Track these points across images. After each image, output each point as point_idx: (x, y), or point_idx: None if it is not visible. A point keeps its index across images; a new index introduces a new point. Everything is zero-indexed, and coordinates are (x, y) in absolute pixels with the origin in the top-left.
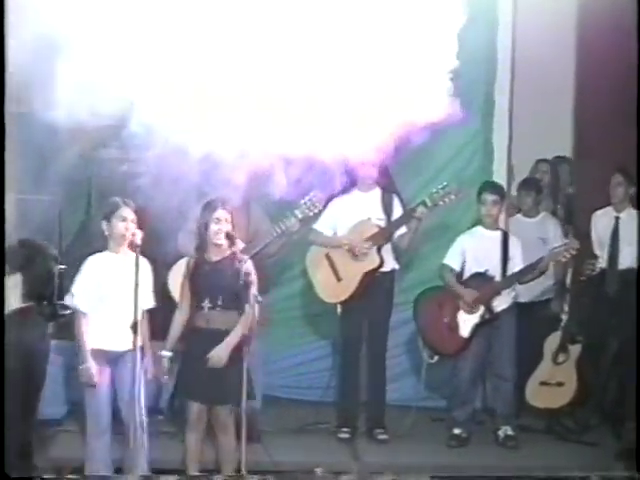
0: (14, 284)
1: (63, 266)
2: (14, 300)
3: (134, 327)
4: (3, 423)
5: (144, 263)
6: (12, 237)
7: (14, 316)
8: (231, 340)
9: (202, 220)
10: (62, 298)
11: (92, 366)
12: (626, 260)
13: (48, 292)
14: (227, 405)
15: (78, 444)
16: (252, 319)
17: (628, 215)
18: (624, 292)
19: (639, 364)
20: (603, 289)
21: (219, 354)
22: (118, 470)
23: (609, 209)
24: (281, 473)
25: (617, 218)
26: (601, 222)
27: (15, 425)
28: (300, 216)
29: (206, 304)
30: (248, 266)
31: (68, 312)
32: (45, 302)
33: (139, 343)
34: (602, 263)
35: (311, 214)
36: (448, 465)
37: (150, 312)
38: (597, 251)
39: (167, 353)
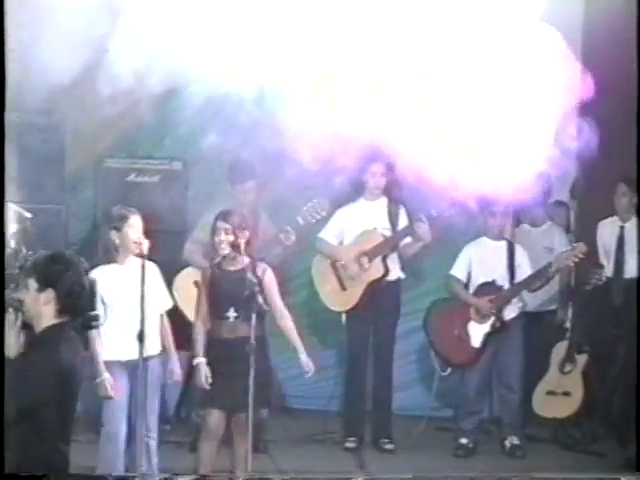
0: (47, 300)
1: (94, 277)
2: (48, 317)
3: (140, 336)
4: (3, 423)
5: (152, 267)
6: (11, 245)
7: (49, 332)
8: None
9: (211, 230)
10: (93, 309)
11: (108, 378)
12: (632, 269)
13: (81, 305)
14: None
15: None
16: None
17: (633, 225)
18: (630, 301)
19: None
20: (609, 298)
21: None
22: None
23: (615, 219)
24: None
25: (622, 228)
26: (606, 232)
27: (52, 441)
28: (302, 222)
29: (231, 314)
30: (269, 275)
31: (100, 323)
32: (78, 315)
33: (145, 352)
34: (608, 272)
35: (313, 221)
36: (454, 475)
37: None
38: (603, 261)
39: (202, 359)
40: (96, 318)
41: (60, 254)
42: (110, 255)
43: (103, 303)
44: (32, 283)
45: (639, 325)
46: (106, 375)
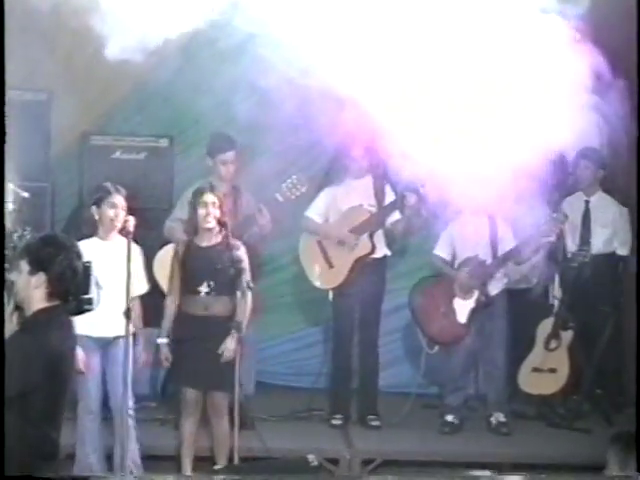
0: (38, 283)
1: (88, 260)
2: (39, 300)
3: (127, 313)
4: (3, 423)
5: (135, 249)
6: (16, 227)
7: (39, 316)
8: (240, 331)
9: (191, 204)
10: (87, 292)
11: (79, 353)
12: (598, 243)
13: (73, 289)
14: (223, 391)
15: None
16: (245, 306)
17: (599, 199)
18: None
19: (639, 353)
20: (595, 275)
21: (229, 346)
22: (109, 457)
23: (579, 194)
24: (274, 459)
25: (587, 202)
26: (572, 207)
27: (41, 427)
28: (281, 199)
29: (203, 289)
30: (241, 252)
31: (93, 307)
32: (70, 298)
33: (131, 329)
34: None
35: (293, 197)
36: (440, 451)
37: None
38: (569, 237)
39: (164, 340)
40: (89, 302)
41: (52, 237)
42: (90, 230)
43: (97, 286)
44: (24, 265)
45: (638, 305)
46: (78, 350)
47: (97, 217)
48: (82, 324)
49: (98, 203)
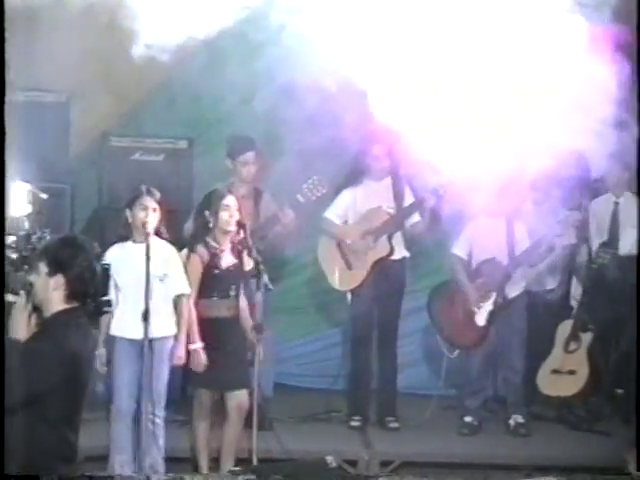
0: (56, 285)
1: (107, 262)
2: (57, 302)
3: (145, 316)
4: (3, 423)
5: (172, 250)
6: (25, 226)
7: (58, 317)
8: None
9: (211, 208)
10: (105, 294)
11: (101, 354)
12: (626, 245)
13: (92, 291)
14: (242, 390)
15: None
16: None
17: (627, 200)
18: (624, 278)
19: (639, 353)
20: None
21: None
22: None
23: (608, 195)
24: (292, 461)
25: (616, 204)
26: (601, 208)
27: (59, 428)
28: (302, 200)
29: (218, 294)
30: (257, 255)
31: (112, 308)
32: (89, 300)
33: (151, 333)
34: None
35: (314, 198)
36: (459, 453)
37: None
38: (595, 238)
39: (198, 344)
40: (108, 304)
41: (72, 238)
42: (125, 233)
43: (116, 288)
44: (43, 267)
45: (639, 307)
46: (101, 350)
47: (130, 220)
48: (119, 326)
49: (131, 206)
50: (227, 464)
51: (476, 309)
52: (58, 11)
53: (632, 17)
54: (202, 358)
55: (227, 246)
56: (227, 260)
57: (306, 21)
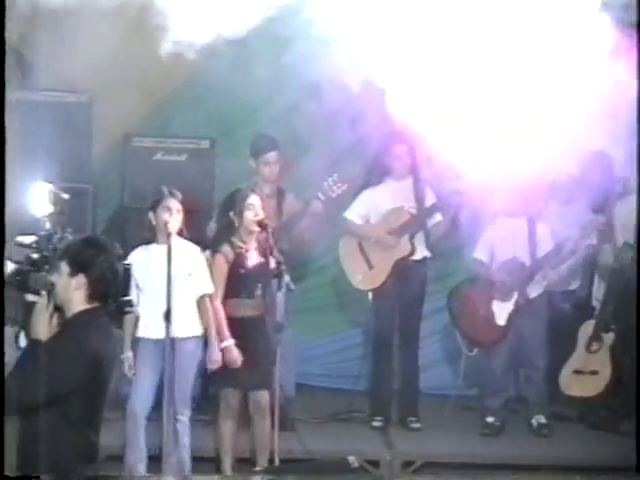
0: (78, 285)
1: (128, 262)
2: (79, 302)
3: (167, 316)
4: (3, 423)
5: (196, 250)
6: (46, 226)
7: (79, 317)
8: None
9: (235, 208)
10: (127, 294)
11: (129, 357)
12: None
13: (113, 291)
14: (266, 389)
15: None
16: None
17: None
18: None
19: (639, 353)
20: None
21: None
22: (153, 458)
23: (632, 196)
24: (314, 461)
25: None
26: (625, 210)
27: (80, 428)
28: (322, 198)
29: (244, 294)
30: (278, 254)
31: (134, 309)
32: (110, 300)
33: (175, 333)
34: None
35: (334, 195)
36: (481, 453)
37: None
38: (619, 238)
39: (230, 342)
40: (130, 304)
41: (93, 239)
42: (149, 235)
43: (137, 288)
44: (64, 267)
45: (638, 308)
46: (128, 354)
47: (154, 222)
48: (143, 327)
49: (154, 207)
50: (260, 463)
51: (496, 309)
52: (84, 11)
53: None
54: (236, 354)
55: (252, 245)
56: (253, 259)
57: (331, 20)
